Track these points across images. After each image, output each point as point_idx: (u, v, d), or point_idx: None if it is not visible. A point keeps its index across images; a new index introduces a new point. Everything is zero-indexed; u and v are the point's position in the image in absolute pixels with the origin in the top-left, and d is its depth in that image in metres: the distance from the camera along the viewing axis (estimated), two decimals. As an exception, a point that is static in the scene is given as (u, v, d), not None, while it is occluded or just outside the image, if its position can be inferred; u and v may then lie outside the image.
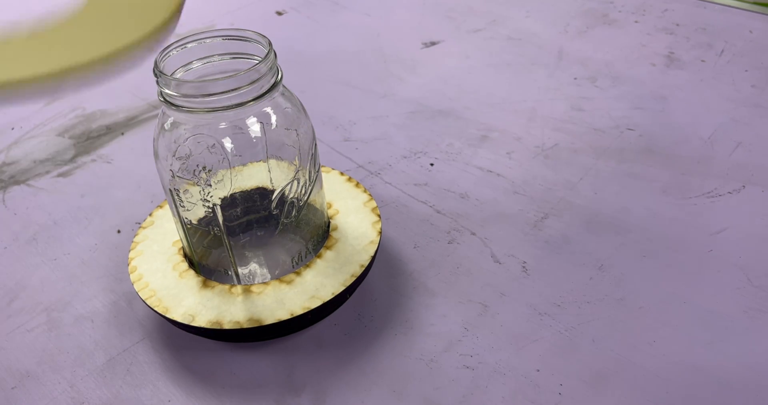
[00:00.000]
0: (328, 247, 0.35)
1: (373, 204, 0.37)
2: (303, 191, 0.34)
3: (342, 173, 0.40)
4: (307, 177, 0.34)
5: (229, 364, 0.34)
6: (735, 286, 0.36)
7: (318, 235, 0.36)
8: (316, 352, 0.34)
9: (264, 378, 0.33)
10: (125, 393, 0.32)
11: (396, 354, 0.34)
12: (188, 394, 0.32)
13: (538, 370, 0.32)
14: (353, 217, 0.37)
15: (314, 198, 0.35)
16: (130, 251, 0.36)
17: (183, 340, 0.35)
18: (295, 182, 0.34)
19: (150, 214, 0.38)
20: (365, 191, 0.39)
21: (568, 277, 0.37)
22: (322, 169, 0.40)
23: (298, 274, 0.33)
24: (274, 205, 0.34)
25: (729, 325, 0.34)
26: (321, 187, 0.36)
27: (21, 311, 0.37)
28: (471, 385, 0.32)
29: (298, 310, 0.31)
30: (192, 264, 0.35)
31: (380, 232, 0.36)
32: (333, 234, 0.36)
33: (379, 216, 0.37)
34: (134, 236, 0.37)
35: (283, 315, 0.31)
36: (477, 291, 0.37)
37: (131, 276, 0.34)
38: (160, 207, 0.39)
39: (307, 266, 0.34)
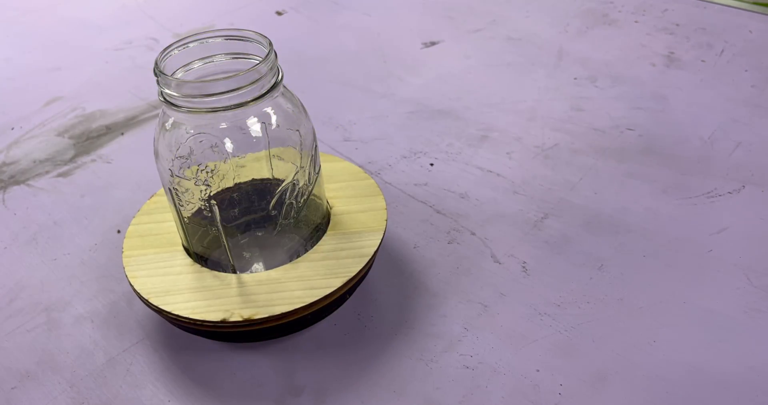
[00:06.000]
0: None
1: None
2: (302, 193, 0.34)
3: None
4: (307, 178, 0.34)
5: (229, 364, 0.34)
6: (735, 286, 0.36)
7: (318, 234, 0.36)
8: (316, 352, 0.34)
9: (264, 378, 0.33)
10: (125, 393, 0.32)
11: (396, 354, 0.34)
12: (188, 394, 0.32)
13: (538, 370, 0.32)
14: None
15: (314, 198, 0.35)
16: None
17: (183, 340, 0.35)
18: (294, 184, 0.34)
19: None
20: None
21: (568, 277, 0.37)
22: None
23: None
24: (272, 205, 0.34)
25: (729, 325, 0.34)
26: (321, 186, 0.36)
27: (21, 311, 0.37)
28: (471, 385, 0.32)
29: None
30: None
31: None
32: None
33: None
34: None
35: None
36: (477, 291, 0.37)
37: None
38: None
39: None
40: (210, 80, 0.29)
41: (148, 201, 0.39)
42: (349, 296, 0.36)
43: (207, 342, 0.35)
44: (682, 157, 0.46)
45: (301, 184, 0.34)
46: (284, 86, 0.32)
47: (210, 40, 0.32)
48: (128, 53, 0.64)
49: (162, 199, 0.38)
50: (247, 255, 0.36)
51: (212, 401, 0.32)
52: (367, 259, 0.34)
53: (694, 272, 0.37)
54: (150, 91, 0.58)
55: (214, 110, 0.29)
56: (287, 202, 0.34)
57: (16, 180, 0.48)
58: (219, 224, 0.32)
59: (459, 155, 0.48)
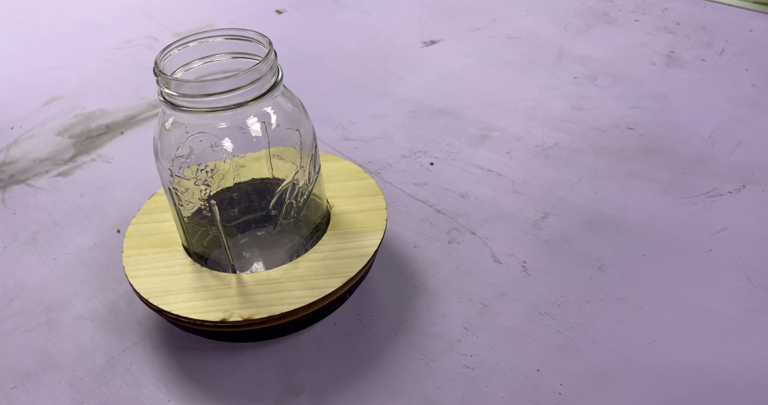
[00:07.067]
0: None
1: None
2: (302, 192, 0.34)
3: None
4: (307, 178, 0.34)
5: (229, 364, 0.34)
6: (735, 286, 0.36)
7: (317, 233, 0.36)
8: (316, 352, 0.34)
9: (264, 378, 0.33)
10: (125, 393, 0.32)
11: (396, 354, 0.34)
12: (188, 394, 0.32)
13: (538, 370, 0.32)
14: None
15: (314, 197, 0.35)
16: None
17: (183, 340, 0.35)
18: (294, 184, 0.33)
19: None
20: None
21: (568, 277, 0.37)
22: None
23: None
24: (272, 205, 0.34)
25: (729, 325, 0.34)
26: (321, 186, 0.36)
27: (21, 311, 0.37)
28: (471, 385, 0.32)
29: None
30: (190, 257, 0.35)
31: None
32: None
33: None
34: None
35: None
36: (477, 291, 0.37)
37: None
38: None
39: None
40: (210, 80, 0.29)
41: (148, 201, 0.39)
42: (349, 296, 0.36)
43: (207, 342, 0.35)
44: (683, 157, 0.46)
45: (301, 184, 0.34)
46: (284, 86, 0.32)
47: (210, 39, 0.32)
48: (128, 52, 0.64)
49: (162, 199, 0.38)
50: (246, 255, 0.36)
51: (212, 401, 0.32)
52: (367, 259, 0.34)
53: (694, 272, 0.37)
54: (150, 90, 0.58)
55: (214, 110, 0.29)
56: (287, 201, 0.34)
57: (15, 179, 0.48)
58: (219, 224, 0.32)
59: (459, 154, 0.48)
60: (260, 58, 0.30)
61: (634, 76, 0.56)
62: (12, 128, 0.53)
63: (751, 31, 0.62)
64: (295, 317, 0.32)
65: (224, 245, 0.33)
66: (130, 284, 0.33)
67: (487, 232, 0.41)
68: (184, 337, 0.35)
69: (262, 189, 0.35)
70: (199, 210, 0.33)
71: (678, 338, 0.34)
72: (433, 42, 0.63)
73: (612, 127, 0.50)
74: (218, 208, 0.32)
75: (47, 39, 0.68)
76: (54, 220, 0.44)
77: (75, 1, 0.76)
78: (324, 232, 0.36)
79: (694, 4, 0.68)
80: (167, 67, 0.31)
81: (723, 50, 0.59)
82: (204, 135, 0.31)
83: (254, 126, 0.31)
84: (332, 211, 0.37)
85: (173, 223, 0.35)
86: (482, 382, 0.32)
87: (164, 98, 0.30)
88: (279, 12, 0.71)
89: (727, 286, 0.36)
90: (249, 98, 0.29)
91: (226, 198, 0.35)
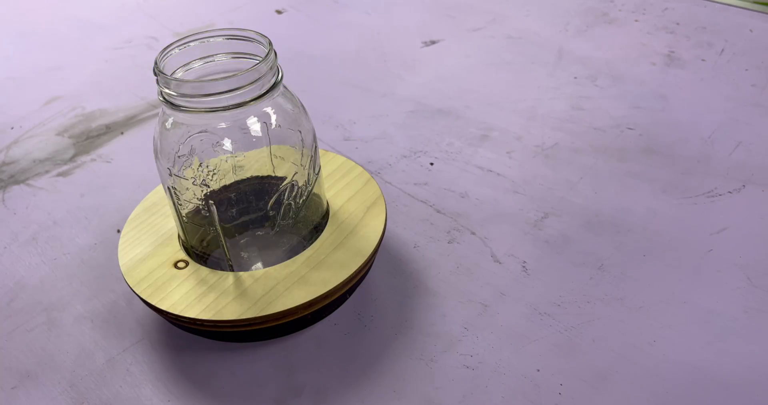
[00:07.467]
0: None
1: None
2: (301, 193, 0.34)
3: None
4: (306, 179, 0.34)
5: (229, 364, 0.34)
6: (735, 286, 0.36)
7: (317, 233, 0.36)
8: (316, 352, 0.34)
9: (264, 378, 0.33)
10: (125, 393, 0.32)
11: (396, 354, 0.34)
12: (188, 393, 0.32)
13: (538, 370, 0.32)
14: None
15: (313, 197, 0.35)
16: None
17: (183, 340, 0.35)
18: (293, 185, 0.33)
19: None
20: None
21: (568, 277, 0.37)
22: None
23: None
24: (270, 205, 0.34)
25: (729, 325, 0.34)
26: (321, 185, 0.36)
27: (21, 311, 0.37)
28: (471, 385, 0.32)
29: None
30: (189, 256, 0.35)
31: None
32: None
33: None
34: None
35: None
36: (477, 291, 0.37)
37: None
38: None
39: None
40: (209, 80, 0.29)
41: (141, 202, 0.38)
42: (349, 296, 0.36)
43: (207, 342, 0.35)
44: (683, 157, 0.46)
45: (300, 184, 0.34)
46: (284, 86, 0.32)
47: (210, 39, 0.32)
48: (128, 52, 0.64)
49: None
50: (245, 255, 0.36)
51: (212, 401, 0.32)
52: (366, 259, 0.34)
53: (694, 272, 0.37)
54: (150, 90, 0.58)
55: (214, 110, 0.29)
56: (285, 202, 0.34)
57: (15, 179, 0.48)
58: (217, 224, 0.32)
59: (459, 154, 0.48)
60: (260, 58, 0.30)
61: (634, 76, 0.56)
62: (12, 128, 0.53)
63: (751, 31, 0.62)
64: (295, 317, 0.32)
65: (222, 245, 0.33)
66: (130, 285, 0.33)
67: (487, 232, 0.41)
68: (184, 337, 0.35)
69: (261, 189, 0.35)
70: (198, 210, 0.33)
71: (678, 338, 0.34)
72: (433, 42, 0.63)
73: (612, 127, 0.50)
74: (217, 208, 0.32)
75: (47, 39, 0.68)
76: (54, 220, 0.44)
77: (75, 1, 0.76)
78: (323, 231, 0.36)
79: (694, 4, 0.68)
80: (167, 67, 0.31)
81: (723, 50, 0.59)
82: (204, 135, 0.31)
83: (254, 126, 0.31)
84: (332, 211, 0.37)
85: (175, 224, 0.35)
86: (482, 382, 0.32)
87: (164, 98, 0.30)
88: (279, 12, 0.71)
89: (727, 286, 0.36)
90: (249, 98, 0.29)
91: (225, 198, 0.35)
